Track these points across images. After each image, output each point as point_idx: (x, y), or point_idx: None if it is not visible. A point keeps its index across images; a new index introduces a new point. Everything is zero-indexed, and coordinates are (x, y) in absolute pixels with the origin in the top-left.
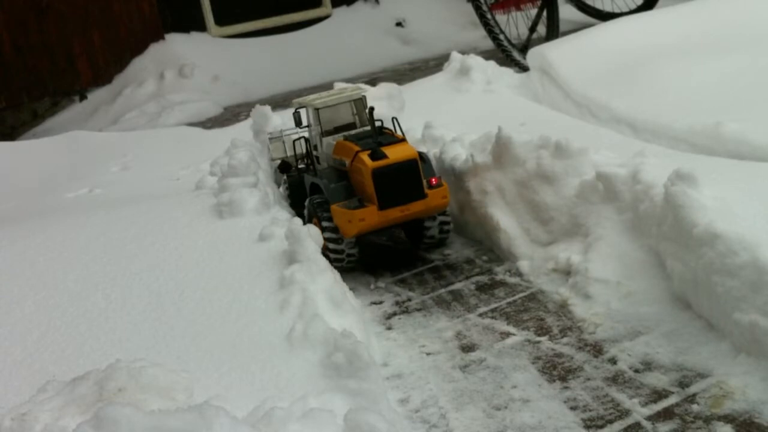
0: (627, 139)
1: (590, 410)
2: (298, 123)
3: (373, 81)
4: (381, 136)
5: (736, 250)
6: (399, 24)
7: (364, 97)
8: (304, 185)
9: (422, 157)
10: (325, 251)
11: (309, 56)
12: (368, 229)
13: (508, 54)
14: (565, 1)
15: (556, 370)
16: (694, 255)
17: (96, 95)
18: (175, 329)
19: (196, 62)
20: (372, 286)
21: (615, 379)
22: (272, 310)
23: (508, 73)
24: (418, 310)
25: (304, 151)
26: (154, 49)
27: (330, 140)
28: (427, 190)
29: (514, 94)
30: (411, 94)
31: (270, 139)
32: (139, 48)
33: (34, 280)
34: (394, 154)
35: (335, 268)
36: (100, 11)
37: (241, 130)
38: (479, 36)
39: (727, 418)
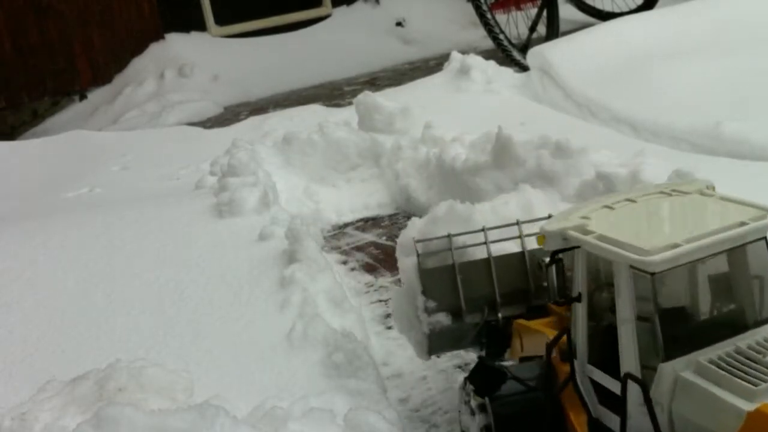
0: (627, 139)
1: None
2: (560, 295)
3: (373, 81)
4: None
5: None
6: (399, 24)
7: None
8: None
9: None
10: None
11: (309, 56)
12: None
13: (508, 54)
14: (565, 1)
15: None
16: None
17: (96, 95)
18: (175, 329)
19: (196, 62)
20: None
21: None
22: (272, 309)
23: (508, 73)
24: None
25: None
26: (154, 49)
27: (681, 369)
28: None
29: (514, 94)
30: (411, 94)
31: (420, 254)
32: (139, 48)
33: (34, 280)
34: None
35: None
36: (100, 11)
37: (241, 130)
38: (479, 36)
39: None
